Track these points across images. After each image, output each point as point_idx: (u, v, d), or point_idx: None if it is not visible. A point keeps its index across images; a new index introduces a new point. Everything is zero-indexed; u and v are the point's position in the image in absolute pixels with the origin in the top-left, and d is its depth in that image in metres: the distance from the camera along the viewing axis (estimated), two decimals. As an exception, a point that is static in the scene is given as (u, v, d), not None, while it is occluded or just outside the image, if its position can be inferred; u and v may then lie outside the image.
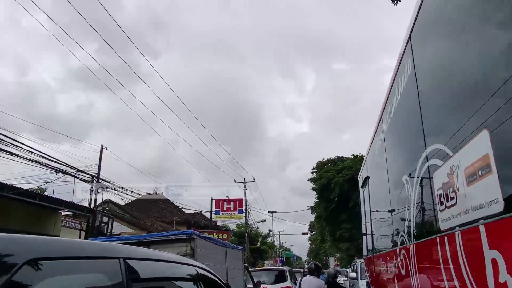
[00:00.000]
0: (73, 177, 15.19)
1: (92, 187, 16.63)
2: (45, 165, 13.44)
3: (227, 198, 29.62)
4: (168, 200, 44.11)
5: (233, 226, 50.77)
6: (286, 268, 14.50)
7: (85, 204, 18.83)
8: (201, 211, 45.22)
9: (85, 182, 16.28)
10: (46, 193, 27.16)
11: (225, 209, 28.94)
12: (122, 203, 30.36)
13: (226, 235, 25.47)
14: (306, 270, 8.85)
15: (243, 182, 44.67)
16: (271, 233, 51.80)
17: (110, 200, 27.46)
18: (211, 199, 29.35)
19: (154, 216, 42.16)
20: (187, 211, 40.45)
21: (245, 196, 44.66)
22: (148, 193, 43.54)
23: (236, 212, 28.80)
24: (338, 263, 61.68)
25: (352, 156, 47.66)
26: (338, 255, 59.72)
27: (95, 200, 17.42)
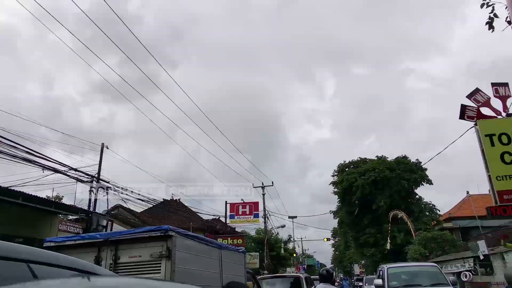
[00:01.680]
0: (66, 176, 13.96)
1: (91, 188, 15.38)
2: (32, 162, 12.24)
3: (242, 201, 28.06)
4: (185, 206, 43.15)
5: (252, 232, 49.19)
6: (302, 275, 12.80)
7: (92, 207, 17.67)
8: (219, 217, 44.07)
9: (83, 182, 15.03)
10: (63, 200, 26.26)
11: (240, 213, 27.36)
12: (134, 209, 29.29)
13: (241, 240, 23.89)
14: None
15: (261, 186, 43.18)
16: (291, 239, 49.82)
17: (120, 205, 26.41)
18: (226, 203, 27.87)
19: (171, 222, 41.28)
20: (205, 217, 39.27)
21: (263, 200, 43.13)
22: (165, 199, 42.73)
23: (252, 216, 27.16)
24: (363, 270, 59.03)
25: (376, 158, 45.46)
26: (363, 261, 57.10)
27: (95, 202, 16.17)
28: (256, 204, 27.12)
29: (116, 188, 19.03)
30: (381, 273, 11.38)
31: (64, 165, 14.03)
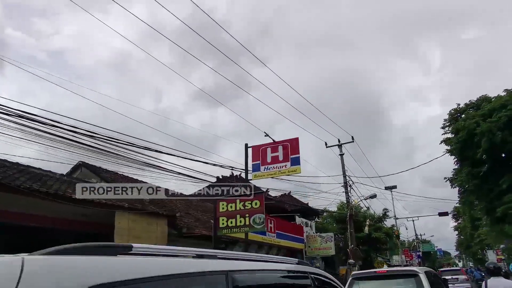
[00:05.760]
0: None
1: None
2: None
3: (272, 141, 16.48)
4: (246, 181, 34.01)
5: (333, 208, 37.08)
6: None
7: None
8: (289, 192, 33.68)
9: None
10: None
11: (269, 160, 15.82)
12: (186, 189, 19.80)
13: (258, 203, 12.69)
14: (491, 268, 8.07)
15: (338, 145, 31.54)
16: (387, 213, 36.08)
17: (83, 162, 17.11)
18: (246, 146, 16.57)
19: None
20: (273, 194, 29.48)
21: (342, 163, 31.43)
22: (224, 176, 34.68)
23: (288, 164, 15.31)
24: (503, 257, 42.20)
25: (505, 93, 29.88)
26: (502, 245, 40.54)
27: None
28: (294, 142, 15.21)
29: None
30: None
31: None
